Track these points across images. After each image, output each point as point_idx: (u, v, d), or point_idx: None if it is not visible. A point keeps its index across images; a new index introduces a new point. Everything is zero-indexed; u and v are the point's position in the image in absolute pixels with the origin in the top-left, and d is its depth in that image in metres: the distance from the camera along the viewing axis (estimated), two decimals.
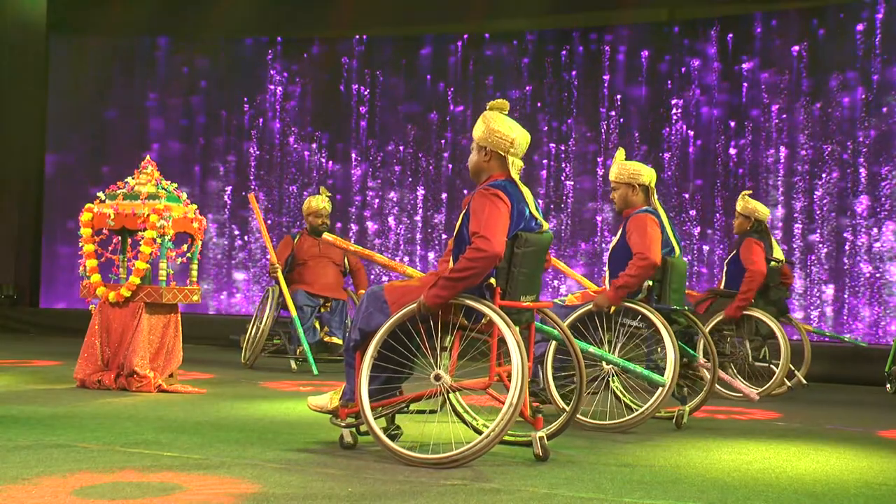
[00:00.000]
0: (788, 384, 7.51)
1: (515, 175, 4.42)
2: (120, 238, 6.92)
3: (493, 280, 4.25)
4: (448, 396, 4.46)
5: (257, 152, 12.69)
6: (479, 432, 4.48)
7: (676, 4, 11.28)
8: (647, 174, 5.81)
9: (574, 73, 11.57)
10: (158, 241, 6.56)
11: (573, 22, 11.71)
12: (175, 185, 6.86)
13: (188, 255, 6.87)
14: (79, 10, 12.97)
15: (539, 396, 5.51)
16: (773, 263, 7.52)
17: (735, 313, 7.36)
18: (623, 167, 5.83)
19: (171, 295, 6.63)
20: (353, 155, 12.43)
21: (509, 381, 4.18)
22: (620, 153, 5.92)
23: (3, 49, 12.62)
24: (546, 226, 4.49)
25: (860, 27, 10.40)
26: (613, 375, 5.52)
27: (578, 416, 5.06)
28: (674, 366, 5.28)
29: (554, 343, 5.32)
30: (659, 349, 5.44)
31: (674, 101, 11.15)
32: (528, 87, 11.70)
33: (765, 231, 7.64)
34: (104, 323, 6.67)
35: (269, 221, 12.41)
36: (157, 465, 3.95)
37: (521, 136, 4.43)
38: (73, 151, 13.11)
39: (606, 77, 11.45)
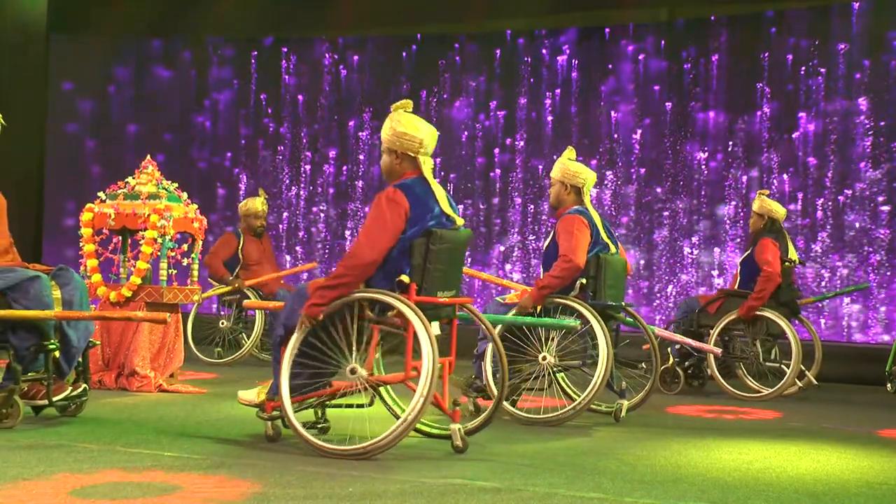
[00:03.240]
0: (799, 384, 7.46)
1: (427, 173, 4.51)
2: (120, 238, 6.91)
3: (404, 277, 4.34)
4: (378, 390, 4.66)
5: (265, 154, 12.66)
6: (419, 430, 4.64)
7: (677, 4, 11.20)
8: (584, 177, 5.87)
9: (574, 74, 11.54)
10: (159, 240, 6.56)
11: (572, 21, 11.66)
12: (176, 184, 6.86)
13: (192, 256, 6.87)
14: (79, 10, 12.93)
15: (483, 392, 5.61)
16: (786, 264, 7.48)
17: (747, 314, 7.31)
18: (564, 166, 5.91)
19: (171, 295, 6.63)
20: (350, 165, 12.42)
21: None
22: (570, 151, 5.98)
23: (2, 49, 12.61)
24: (460, 221, 4.56)
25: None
26: (561, 370, 5.67)
27: (517, 411, 5.39)
28: (606, 360, 5.37)
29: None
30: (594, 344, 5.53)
31: (675, 104, 11.12)
32: (520, 93, 11.66)
33: (780, 231, 7.59)
34: (105, 323, 6.66)
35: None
36: (158, 465, 3.95)
37: (429, 135, 4.52)
38: (73, 151, 13.09)
39: (604, 86, 11.40)
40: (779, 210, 7.63)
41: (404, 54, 12.21)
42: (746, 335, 7.41)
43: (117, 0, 12.81)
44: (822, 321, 9.93)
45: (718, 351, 7.17)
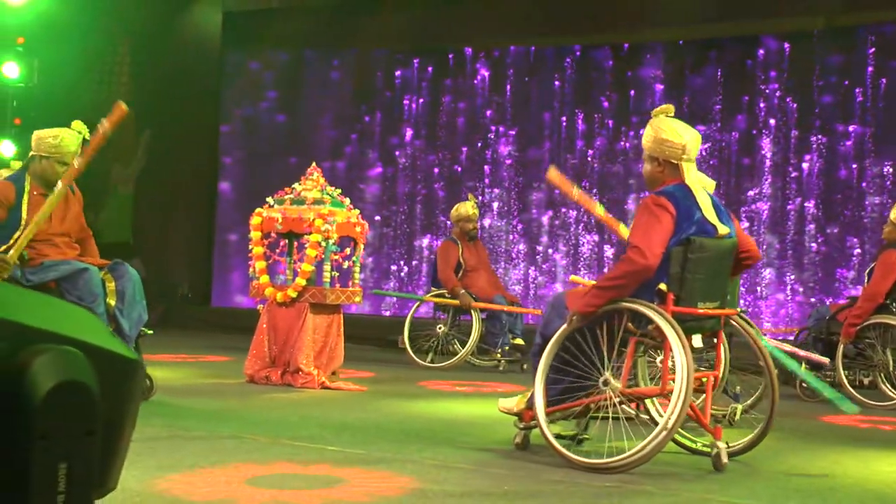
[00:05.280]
0: None
1: (690, 179, 4.32)
2: (287, 241, 7.21)
3: (664, 286, 4.19)
4: (645, 403, 4.52)
5: (424, 163, 12.90)
6: (677, 443, 4.48)
7: (833, 12, 10.88)
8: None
9: (721, 85, 11.39)
10: (323, 244, 6.81)
11: (722, 31, 11.49)
12: (339, 190, 7.12)
13: (353, 259, 7.11)
14: (252, 25, 13.41)
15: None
16: None
17: (847, 333, 7.17)
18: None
19: (334, 296, 6.87)
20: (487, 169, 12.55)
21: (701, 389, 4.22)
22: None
23: (180, 63, 13.19)
24: (725, 230, 4.32)
25: None
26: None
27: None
28: (723, 364, 5.16)
29: None
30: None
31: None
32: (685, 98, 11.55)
33: None
34: (271, 322, 6.96)
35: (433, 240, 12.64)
36: (321, 458, 4.14)
37: (692, 140, 4.34)
38: (244, 160, 13.62)
39: (762, 103, 11.20)
40: None
41: (556, 78, 12.25)
42: (878, 344, 7.22)
43: (290, 13, 13.21)
44: None
45: (825, 360, 7.10)
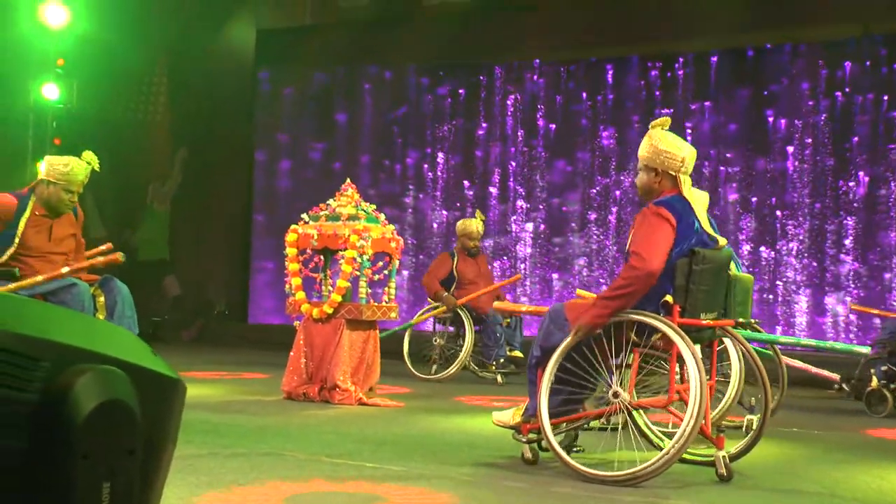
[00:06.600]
0: None
1: (687, 191, 4.38)
2: (322, 257, 7.23)
3: (669, 297, 4.22)
4: (632, 414, 4.48)
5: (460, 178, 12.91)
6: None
7: (872, 18, 10.76)
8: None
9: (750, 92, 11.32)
10: (358, 260, 6.83)
11: (758, 40, 11.41)
12: (374, 206, 7.14)
13: (385, 272, 7.12)
14: (285, 44, 13.51)
15: None
16: None
17: None
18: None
19: (370, 312, 6.88)
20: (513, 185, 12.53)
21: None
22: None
23: (215, 81, 13.31)
24: (722, 241, 4.41)
25: None
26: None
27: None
28: (738, 375, 5.21)
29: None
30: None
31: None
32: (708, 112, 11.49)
33: None
34: (308, 338, 6.98)
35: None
36: (360, 475, 4.13)
37: (690, 154, 4.41)
38: (279, 178, 13.70)
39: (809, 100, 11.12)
40: None
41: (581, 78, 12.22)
42: None
43: (322, 30, 13.29)
44: None
45: (836, 377, 7.02)
